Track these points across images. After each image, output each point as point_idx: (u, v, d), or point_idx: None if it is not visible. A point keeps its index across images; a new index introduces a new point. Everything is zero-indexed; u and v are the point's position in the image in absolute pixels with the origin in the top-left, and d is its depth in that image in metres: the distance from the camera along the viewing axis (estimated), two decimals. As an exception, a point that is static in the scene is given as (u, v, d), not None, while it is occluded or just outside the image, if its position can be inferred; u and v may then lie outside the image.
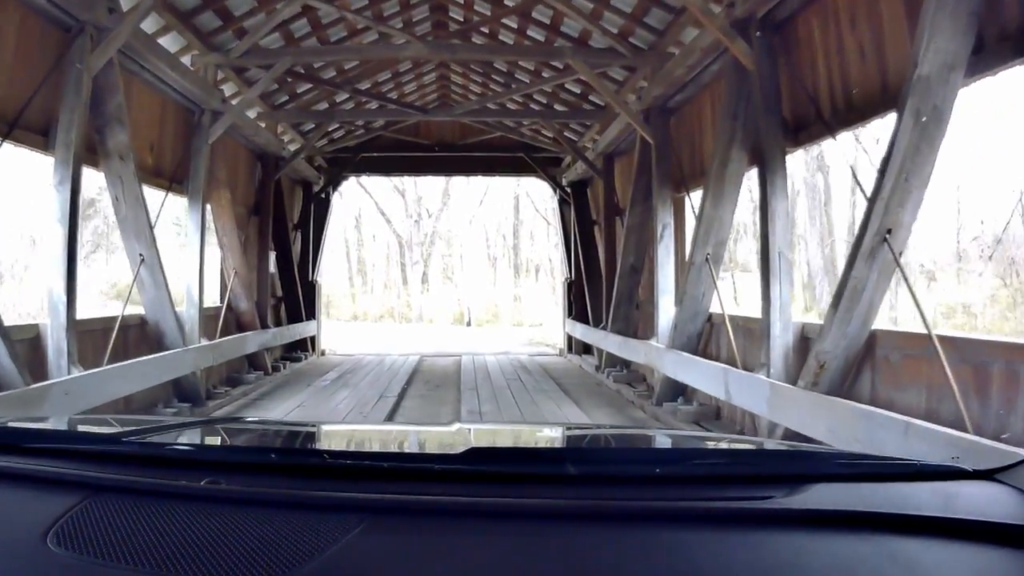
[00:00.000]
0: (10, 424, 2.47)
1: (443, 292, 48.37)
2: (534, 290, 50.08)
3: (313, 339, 21.26)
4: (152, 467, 1.97)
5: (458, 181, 46.50)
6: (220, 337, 13.83)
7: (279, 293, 19.25)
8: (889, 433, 5.85)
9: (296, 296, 19.69)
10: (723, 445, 3.10)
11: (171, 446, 2.28)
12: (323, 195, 22.24)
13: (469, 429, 3.27)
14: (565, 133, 19.73)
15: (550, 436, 3.50)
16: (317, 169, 21.27)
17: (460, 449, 2.00)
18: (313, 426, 3.84)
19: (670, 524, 1.68)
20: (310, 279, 21.48)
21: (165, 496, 1.82)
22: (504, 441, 3.12)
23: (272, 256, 18.36)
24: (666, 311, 12.63)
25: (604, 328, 16.29)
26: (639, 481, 1.91)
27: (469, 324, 42.50)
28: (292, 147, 18.58)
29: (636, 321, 15.37)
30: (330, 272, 55.79)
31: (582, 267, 20.35)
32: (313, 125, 19.13)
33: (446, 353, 23.19)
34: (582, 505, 1.75)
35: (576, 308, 21.22)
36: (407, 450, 2.71)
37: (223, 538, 1.64)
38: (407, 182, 46.46)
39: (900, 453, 2.79)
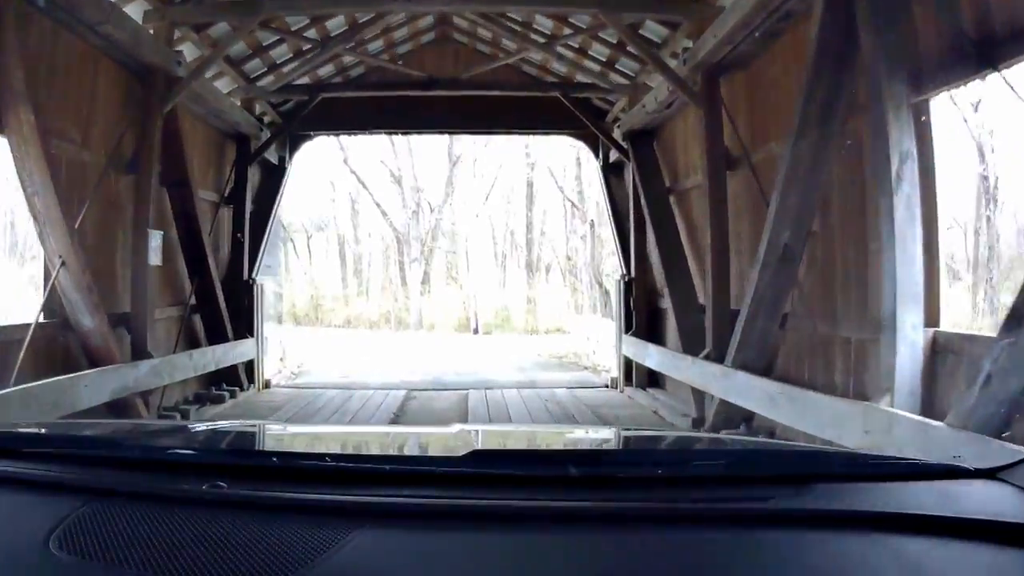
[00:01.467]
0: (11, 429, 2.56)
1: (446, 294, 41.77)
2: (549, 291, 43.65)
3: (251, 365, 14.25)
4: (154, 471, 1.98)
5: (464, 169, 39.97)
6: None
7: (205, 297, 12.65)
8: None
9: (215, 303, 12.68)
10: (725, 446, 3.07)
11: (173, 450, 2.21)
12: (274, 160, 15.41)
13: (471, 431, 3.18)
14: (630, 48, 12.47)
15: (553, 438, 3.68)
16: (260, 120, 14.20)
17: (462, 452, 2.02)
18: (315, 429, 4.49)
19: (673, 526, 1.68)
20: (247, 277, 14.36)
21: (167, 500, 1.81)
22: (506, 444, 3.15)
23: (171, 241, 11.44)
24: (909, 339, 5.95)
25: (710, 357, 9.57)
26: (642, 483, 1.91)
27: (476, 331, 35.87)
28: (211, 71, 11.78)
29: (775, 346, 8.64)
30: (322, 272, 50.75)
31: (651, 258, 13.51)
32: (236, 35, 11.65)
33: (446, 383, 16.30)
34: (585, 507, 1.76)
35: (640, 320, 14.05)
36: (409, 453, 2.69)
37: (225, 542, 1.63)
38: (404, 168, 39.82)
39: None
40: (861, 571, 1.57)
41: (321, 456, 2.13)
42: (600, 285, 31.40)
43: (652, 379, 13.36)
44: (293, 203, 51.26)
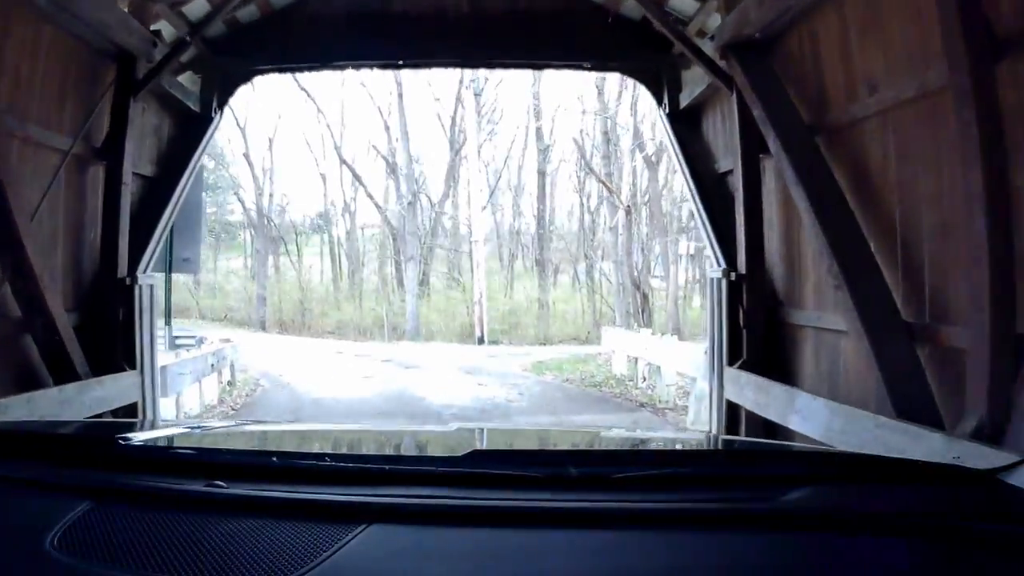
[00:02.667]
0: (13, 429, 2.73)
1: (448, 298, 36.69)
2: (564, 295, 38.63)
3: (132, 412, 8.38)
4: (155, 472, 1.98)
5: (468, 157, 34.85)
6: None
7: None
8: None
9: (47, 317, 7.11)
10: (727, 447, 3.16)
11: (174, 451, 2.28)
12: (193, 106, 9.84)
13: (470, 431, 3.43)
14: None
15: (552, 438, 3.68)
16: (157, 36, 8.51)
17: (462, 452, 2.06)
18: (315, 429, 4.23)
19: (672, 525, 1.70)
20: (124, 275, 8.37)
21: (168, 501, 1.83)
22: (505, 444, 3.14)
23: None
24: None
25: (983, 431, 4.48)
26: (641, 483, 1.90)
27: (482, 340, 30.65)
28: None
29: None
30: (313, 274, 45.92)
31: (771, 244, 8.35)
32: None
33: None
34: (586, 507, 1.77)
35: (753, 343, 8.32)
36: (409, 452, 2.74)
37: (227, 542, 1.65)
38: (398, 152, 34.70)
39: None
40: (863, 571, 1.57)
41: (321, 456, 2.11)
42: (638, 288, 26.07)
43: (770, 433, 7.73)
44: (279, 197, 47.48)
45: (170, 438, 2.61)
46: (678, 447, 2.88)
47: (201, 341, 18.40)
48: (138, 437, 2.35)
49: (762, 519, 1.74)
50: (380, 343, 29.79)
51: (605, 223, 36.26)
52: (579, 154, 27.22)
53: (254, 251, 43.55)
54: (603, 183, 24.24)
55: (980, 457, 2.98)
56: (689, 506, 1.78)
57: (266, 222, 45.93)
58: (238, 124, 42.05)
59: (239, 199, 47.13)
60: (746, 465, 2.26)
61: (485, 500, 1.81)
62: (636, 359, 17.49)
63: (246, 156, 42.34)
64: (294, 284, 41.22)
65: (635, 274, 26.68)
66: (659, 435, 4.97)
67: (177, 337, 18.27)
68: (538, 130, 36.57)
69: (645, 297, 23.97)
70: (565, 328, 34.56)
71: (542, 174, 36.55)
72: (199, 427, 3.12)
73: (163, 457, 2.17)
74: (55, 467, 2.04)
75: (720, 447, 3.12)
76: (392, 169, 34.96)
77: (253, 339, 30.80)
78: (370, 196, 38.15)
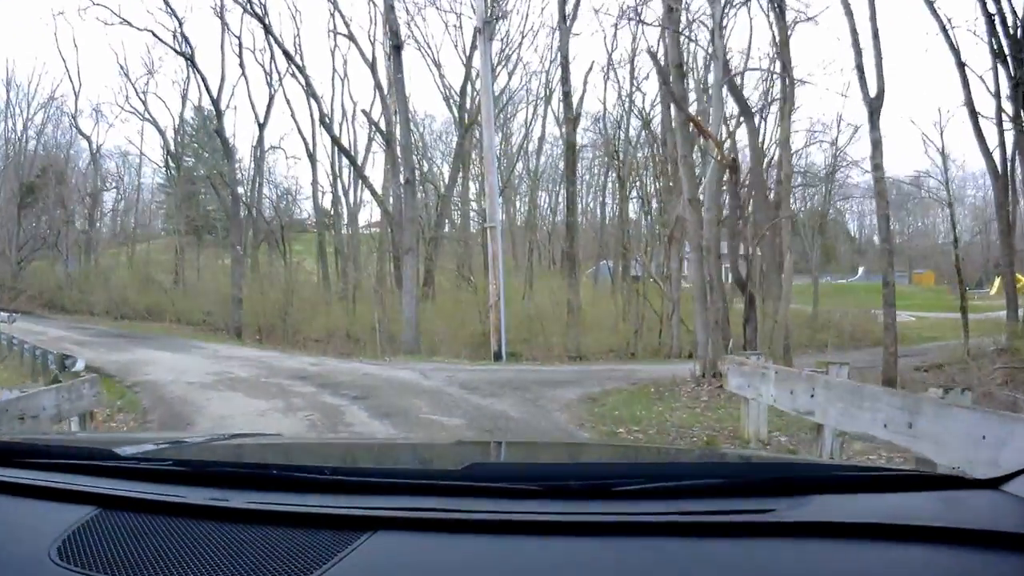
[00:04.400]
0: (15, 438, 2.77)
1: (456, 300, 29.13)
2: (597, 298, 31.19)
3: None
4: (158, 482, 1.98)
5: (484, 113, 27.38)
6: None
7: None
8: None
9: None
10: (724, 458, 3.09)
11: (176, 461, 2.16)
12: None
13: (470, 444, 3.51)
14: None
15: (551, 451, 3.65)
16: None
17: (462, 463, 2.00)
18: (317, 441, 4.48)
19: (671, 537, 1.67)
20: None
21: (171, 511, 1.82)
22: (505, 456, 3.08)
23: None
24: None
25: None
26: (639, 494, 1.85)
27: (499, 356, 22.97)
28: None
29: None
30: (300, 270, 38.89)
31: None
32: None
33: None
34: (584, 519, 1.74)
35: None
36: (409, 465, 2.70)
37: (230, 553, 1.64)
38: (395, 117, 27.10)
39: None
40: None
41: (322, 468, 2.05)
42: (743, 288, 18.04)
43: None
44: (267, 187, 41.03)
45: (173, 448, 2.47)
46: (677, 460, 2.81)
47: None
48: (140, 447, 2.28)
49: (761, 530, 1.67)
50: (368, 361, 22.12)
51: (647, 208, 28.80)
52: (660, 76, 18.57)
53: (229, 246, 36.14)
54: (694, 122, 15.91)
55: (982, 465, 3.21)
56: (688, 518, 1.71)
57: (249, 212, 39.01)
58: (211, 96, 35.12)
59: (212, 186, 40.11)
60: (744, 476, 2.13)
61: (485, 511, 1.76)
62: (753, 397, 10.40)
63: (218, 132, 34.97)
64: (278, 284, 33.87)
65: (739, 266, 18.39)
66: (655, 446, 5.00)
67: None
68: (566, 95, 28.95)
69: (752, 302, 16.20)
70: (600, 338, 27.02)
71: (572, 147, 28.83)
72: (202, 438, 2.85)
73: (166, 467, 2.07)
74: (57, 477, 2.00)
75: (717, 458, 2.97)
76: (387, 140, 27.19)
77: (208, 353, 23.46)
78: (362, 176, 30.65)
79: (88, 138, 51.17)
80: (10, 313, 30.39)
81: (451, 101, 35.67)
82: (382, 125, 28.97)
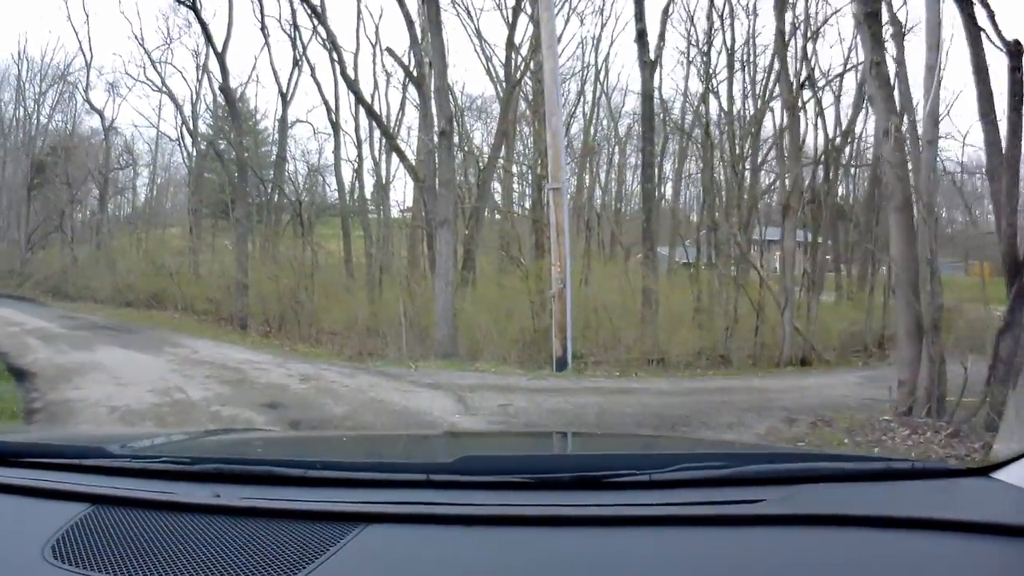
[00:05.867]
0: (7, 437, 2.69)
1: (502, 287, 22.72)
2: (675, 287, 24.72)
3: None
4: (150, 479, 1.99)
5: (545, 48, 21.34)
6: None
7: None
8: None
9: None
10: (715, 450, 3.00)
11: (168, 458, 2.17)
12: None
13: (459, 436, 3.50)
14: None
15: (542, 442, 3.61)
16: None
17: (453, 456, 2.04)
18: (307, 436, 4.46)
19: (663, 528, 1.68)
20: None
21: (163, 508, 1.82)
22: (495, 447, 3.10)
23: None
24: None
25: None
26: (632, 486, 1.89)
27: (564, 364, 16.49)
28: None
29: None
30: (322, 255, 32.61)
31: None
32: None
33: None
34: (575, 510, 1.74)
35: None
36: (400, 458, 2.67)
37: (222, 549, 1.63)
38: (426, 56, 20.70)
39: None
40: (852, 570, 1.53)
41: (313, 463, 2.09)
42: (1013, 274, 10.35)
43: None
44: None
45: (164, 445, 2.54)
46: (668, 452, 2.67)
47: None
48: (132, 445, 2.33)
49: (752, 520, 1.68)
50: (386, 369, 15.88)
51: (738, 172, 22.43)
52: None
53: (233, 221, 29.99)
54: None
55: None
56: (681, 509, 1.73)
57: (259, 186, 33.15)
58: (215, 50, 29.06)
59: (216, 154, 34.17)
60: (737, 468, 2.03)
61: (477, 503, 1.78)
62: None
63: (223, 91, 28.89)
64: (292, 268, 27.56)
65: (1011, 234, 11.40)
66: (651, 439, 4.71)
67: None
68: (640, 35, 22.52)
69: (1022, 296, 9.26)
70: (680, 338, 20.42)
71: (649, 97, 22.34)
72: (193, 435, 2.96)
73: (157, 465, 2.09)
74: (49, 476, 2.01)
75: (707, 449, 2.88)
76: (417, 84, 20.75)
77: (181, 355, 17.67)
78: (389, 135, 24.34)
79: (101, 113, 45.84)
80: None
81: (488, 59, 29.52)
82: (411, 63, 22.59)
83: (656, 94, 24.56)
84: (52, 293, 41.39)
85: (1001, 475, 1.89)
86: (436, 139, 18.96)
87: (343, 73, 26.22)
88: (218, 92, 32.23)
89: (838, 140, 24.32)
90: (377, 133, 30.60)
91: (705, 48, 26.93)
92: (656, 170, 24.15)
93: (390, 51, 21.75)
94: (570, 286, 16.77)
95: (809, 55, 22.89)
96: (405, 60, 24.46)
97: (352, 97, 29.06)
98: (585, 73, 32.82)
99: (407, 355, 18.66)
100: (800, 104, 20.12)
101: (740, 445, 4.67)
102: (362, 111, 29.93)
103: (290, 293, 25.52)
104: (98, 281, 39.19)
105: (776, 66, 22.02)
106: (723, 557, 1.58)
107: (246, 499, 1.81)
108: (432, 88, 19.44)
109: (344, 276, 28.46)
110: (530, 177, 26.60)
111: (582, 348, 19.00)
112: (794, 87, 20.36)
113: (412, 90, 27.93)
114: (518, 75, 26.76)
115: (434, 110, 19.87)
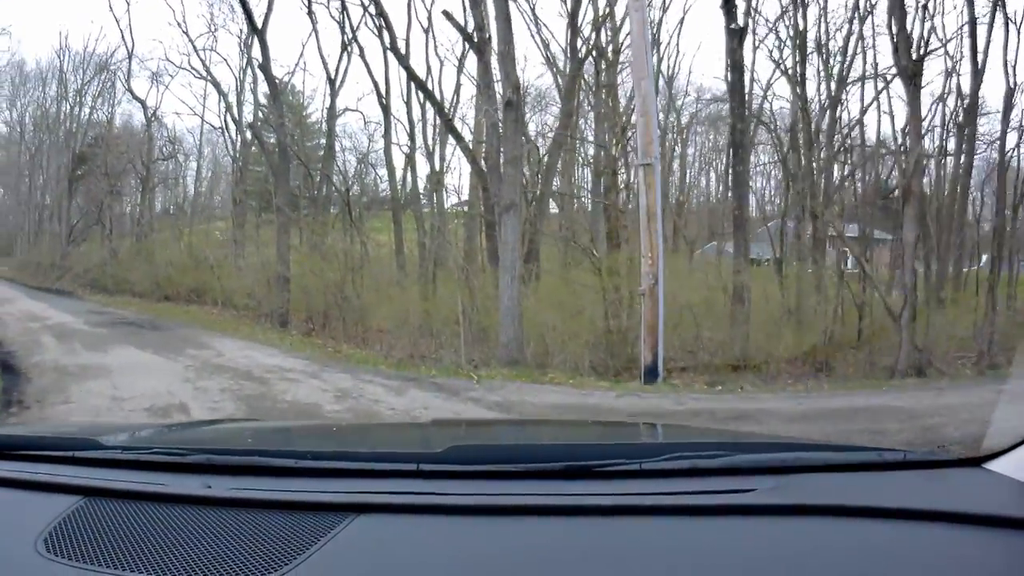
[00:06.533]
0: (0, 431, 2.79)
1: (569, 284, 19.84)
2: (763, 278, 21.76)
3: None
4: (141, 471, 2.00)
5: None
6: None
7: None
8: None
9: None
10: (707, 438, 2.89)
11: (159, 450, 2.17)
12: None
13: (450, 424, 3.51)
14: None
15: (532, 431, 3.65)
16: None
17: (443, 446, 2.04)
18: (297, 426, 4.45)
19: (654, 517, 1.67)
20: None
21: (155, 500, 1.81)
22: (485, 437, 3.04)
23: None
24: None
25: None
26: (623, 475, 1.88)
27: (654, 373, 13.68)
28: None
29: None
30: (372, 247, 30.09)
31: None
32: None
33: None
34: (565, 499, 1.74)
35: None
36: (390, 448, 2.62)
37: (214, 540, 1.62)
38: (490, 26, 17.95)
39: None
40: (844, 561, 1.52)
41: (303, 453, 2.06)
42: None
43: None
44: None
45: (155, 436, 2.54)
46: (660, 440, 2.74)
47: None
48: (122, 437, 2.34)
49: (743, 510, 1.67)
50: (440, 381, 13.23)
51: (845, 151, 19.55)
52: None
53: (275, 210, 27.45)
54: None
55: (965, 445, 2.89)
56: (672, 498, 1.73)
57: (306, 178, 30.79)
58: (252, 23, 26.59)
59: (256, 136, 31.85)
60: (728, 457, 2.01)
61: (467, 493, 1.78)
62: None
63: (263, 68, 26.37)
64: (338, 261, 24.83)
65: None
66: (642, 427, 4.59)
67: None
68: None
69: None
70: (767, 341, 17.34)
71: (738, 67, 19.39)
72: (184, 426, 3.01)
73: (149, 457, 2.09)
74: (41, 468, 2.00)
75: (698, 438, 2.77)
76: (478, 49, 17.97)
77: (203, 359, 15.43)
78: (443, 113, 21.68)
79: (143, 102, 46.18)
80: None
81: (545, 45, 26.79)
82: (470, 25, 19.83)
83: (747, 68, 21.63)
84: (90, 287, 40.04)
85: (993, 466, 1.85)
86: (501, 111, 16.12)
87: (393, 47, 23.51)
88: (259, 73, 29.71)
89: (959, 115, 21.14)
90: (430, 115, 28.17)
91: (792, 23, 23.94)
92: (747, 151, 21.04)
93: (447, 14, 18.81)
94: (662, 282, 13.95)
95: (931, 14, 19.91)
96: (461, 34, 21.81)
97: (403, 82, 26.80)
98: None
99: (465, 359, 15.98)
100: (920, 73, 17.08)
101: (731, 434, 4.59)
102: (414, 95, 27.53)
103: (336, 288, 22.84)
104: (136, 274, 37.64)
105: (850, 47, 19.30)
106: (714, 546, 1.56)
107: (237, 490, 1.81)
108: (495, 54, 16.61)
109: (394, 270, 25.82)
110: (602, 159, 23.71)
111: (669, 351, 16.09)
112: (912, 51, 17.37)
113: (468, 73, 25.43)
114: (584, 50, 24.04)
115: (497, 76, 17.05)
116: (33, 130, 55.27)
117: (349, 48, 30.79)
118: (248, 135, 37.76)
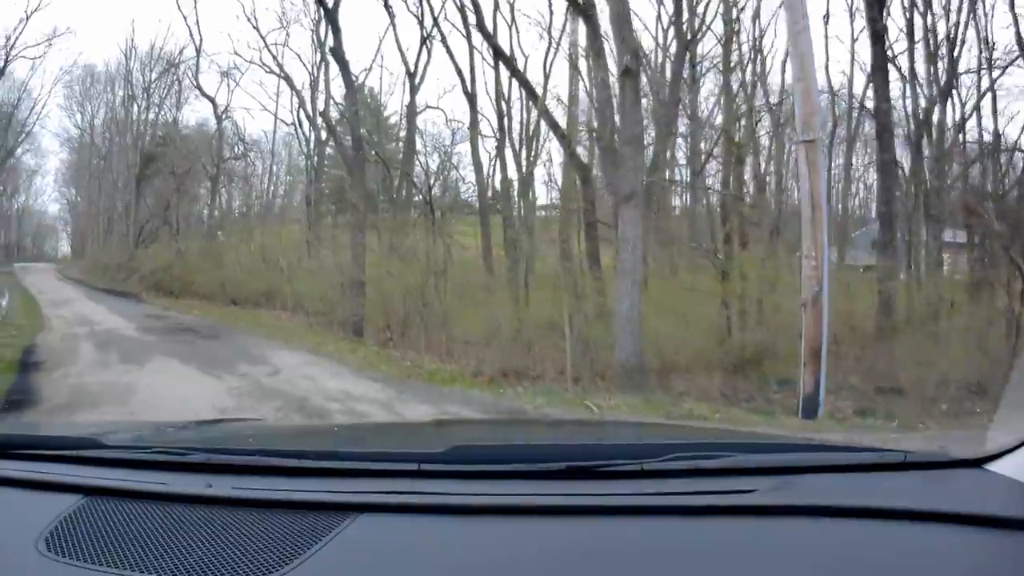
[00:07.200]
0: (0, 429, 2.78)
1: (677, 291, 17.12)
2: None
3: None
4: (142, 470, 2.00)
5: None
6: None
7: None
8: None
9: None
10: (709, 439, 2.81)
11: (160, 449, 2.15)
12: None
13: (451, 424, 3.49)
14: None
15: (534, 431, 3.63)
16: None
17: (445, 445, 2.04)
18: (298, 426, 4.43)
19: (656, 517, 1.67)
20: None
21: (156, 499, 1.81)
22: (487, 437, 3.01)
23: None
24: None
25: None
26: (624, 475, 1.86)
27: (814, 409, 10.82)
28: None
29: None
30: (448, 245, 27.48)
31: None
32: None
33: None
34: (567, 499, 1.74)
35: None
36: (391, 448, 2.58)
37: (215, 539, 1.63)
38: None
39: None
40: (844, 562, 1.51)
41: (304, 453, 2.07)
42: None
43: None
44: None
45: (156, 435, 2.52)
46: (661, 441, 2.47)
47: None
48: (124, 436, 2.34)
49: (745, 510, 1.67)
50: (550, 403, 10.70)
51: None
52: None
53: (352, 207, 25.16)
54: None
55: (966, 445, 2.33)
56: (674, 499, 1.72)
57: (384, 178, 29.48)
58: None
59: (328, 126, 29.80)
60: (729, 457, 2.01)
61: (468, 493, 1.77)
62: None
63: (333, 52, 24.06)
64: (417, 262, 22.26)
65: None
66: (644, 427, 4.74)
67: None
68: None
69: None
70: (933, 361, 14.28)
71: (879, 39, 16.46)
72: (185, 425, 2.90)
73: (150, 456, 2.09)
74: (42, 467, 2.01)
75: (700, 438, 2.63)
76: (584, 10, 15.22)
77: (252, 380, 13.04)
78: (533, 94, 19.17)
79: (213, 100, 43.30)
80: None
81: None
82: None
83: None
84: (155, 289, 38.77)
85: (994, 467, 1.84)
86: (621, 79, 13.29)
87: (479, 25, 21.11)
88: (331, 59, 27.56)
89: None
90: (516, 112, 25.72)
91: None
92: (892, 137, 18.06)
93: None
94: (827, 289, 11.11)
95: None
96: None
97: (487, 76, 24.46)
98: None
99: (571, 379, 13.35)
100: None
101: (733, 434, 4.54)
102: (501, 78, 25.13)
103: (416, 293, 20.31)
104: (203, 276, 36.22)
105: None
106: (715, 547, 1.56)
107: (238, 489, 1.80)
108: (612, 13, 13.84)
109: (481, 274, 23.36)
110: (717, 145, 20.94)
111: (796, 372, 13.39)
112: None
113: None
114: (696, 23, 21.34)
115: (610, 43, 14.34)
116: (103, 132, 55.84)
117: (429, 43, 29.56)
118: (323, 134, 36.78)
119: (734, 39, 21.59)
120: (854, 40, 26.82)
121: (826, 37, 24.44)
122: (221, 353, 16.30)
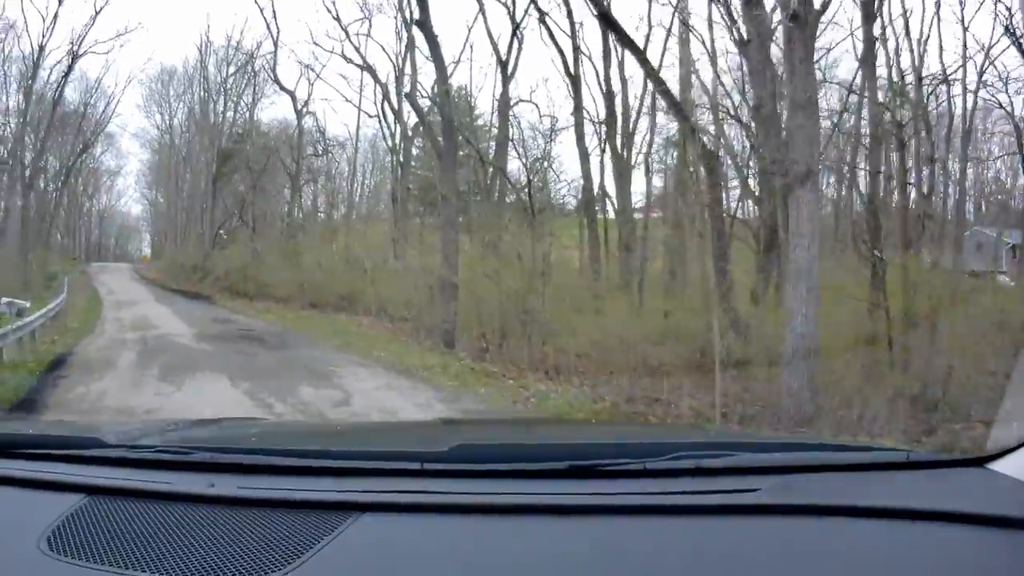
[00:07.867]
0: (2, 430, 2.77)
1: (842, 303, 13.37)
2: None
3: None
4: (145, 469, 1.98)
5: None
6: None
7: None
8: None
9: None
10: (711, 438, 3.00)
11: (163, 448, 2.12)
12: None
13: (454, 423, 3.51)
14: None
15: (536, 430, 3.56)
16: None
17: (448, 445, 1.99)
18: (301, 424, 4.36)
19: (659, 517, 1.66)
20: None
21: (158, 498, 1.80)
22: (490, 436, 2.97)
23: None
24: None
25: None
26: (627, 474, 1.85)
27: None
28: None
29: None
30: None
31: None
32: None
33: None
34: (570, 499, 1.72)
35: None
36: (395, 447, 2.54)
37: (218, 538, 1.62)
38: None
39: None
40: (846, 560, 1.51)
41: (307, 452, 2.07)
42: None
43: None
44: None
45: (159, 434, 2.49)
46: (664, 440, 2.47)
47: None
48: (126, 435, 2.31)
49: (748, 509, 1.65)
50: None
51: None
52: None
53: (440, 203, 22.80)
54: None
55: (968, 444, 3.16)
56: (677, 498, 1.70)
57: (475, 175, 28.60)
58: None
59: (415, 108, 27.73)
60: (732, 457, 2.00)
61: (471, 492, 1.76)
62: None
63: (420, 25, 21.66)
64: (517, 264, 19.65)
65: None
66: (647, 428, 4.83)
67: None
68: None
69: None
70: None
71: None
72: (187, 424, 2.90)
73: (152, 455, 2.06)
74: (45, 467, 2.00)
75: (702, 438, 2.87)
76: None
77: (314, 412, 10.35)
78: (651, 73, 16.55)
79: (292, 94, 42.54)
80: (10, 301, 19.55)
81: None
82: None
83: None
84: (229, 291, 37.90)
85: (996, 466, 1.82)
86: (790, 27, 10.47)
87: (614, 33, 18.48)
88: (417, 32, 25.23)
89: None
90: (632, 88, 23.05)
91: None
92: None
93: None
94: None
95: None
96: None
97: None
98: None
99: (719, 411, 10.62)
100: None
101: (735, 434, 4.43)
102: (612, 50, 22.52)
103: (517, 298, 17.68)
104: (280, 278, 34.67)
105: None
106: (717, 546, 1.56)
107: (241, 488, 1.79)
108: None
109: (587, 276, 20.71)
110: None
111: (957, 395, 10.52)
112: None
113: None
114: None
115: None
116: (182, 132, 56.28)
117: (520, 33, 28.30)
118: (408, 127, 35.67)
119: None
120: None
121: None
122: (284, 369, 14.12)
